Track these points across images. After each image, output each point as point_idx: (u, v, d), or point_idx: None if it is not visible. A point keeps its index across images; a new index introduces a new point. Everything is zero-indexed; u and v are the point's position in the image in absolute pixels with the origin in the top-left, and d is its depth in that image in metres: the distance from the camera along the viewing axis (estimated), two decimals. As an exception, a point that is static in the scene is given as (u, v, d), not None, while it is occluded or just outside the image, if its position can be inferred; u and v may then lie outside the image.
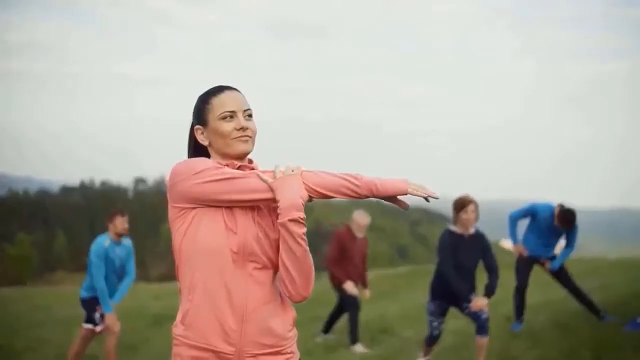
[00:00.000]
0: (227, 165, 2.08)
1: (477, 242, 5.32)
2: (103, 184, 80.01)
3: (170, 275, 33.38)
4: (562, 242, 6.88)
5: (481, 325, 5.19)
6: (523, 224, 6.88)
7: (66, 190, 79.93)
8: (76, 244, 58.15)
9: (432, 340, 5.59)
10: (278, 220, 2.00)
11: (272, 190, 2.01)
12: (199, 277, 2.01)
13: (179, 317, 2.07)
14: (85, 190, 78.28)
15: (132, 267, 6.26)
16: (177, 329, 2.07)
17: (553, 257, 6.80)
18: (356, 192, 2.04)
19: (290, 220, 1.97)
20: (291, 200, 1.98)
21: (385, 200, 2.07)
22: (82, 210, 69.48)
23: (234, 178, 2.01)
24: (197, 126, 2.15)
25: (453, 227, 5.33)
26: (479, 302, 5.13)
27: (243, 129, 2.08)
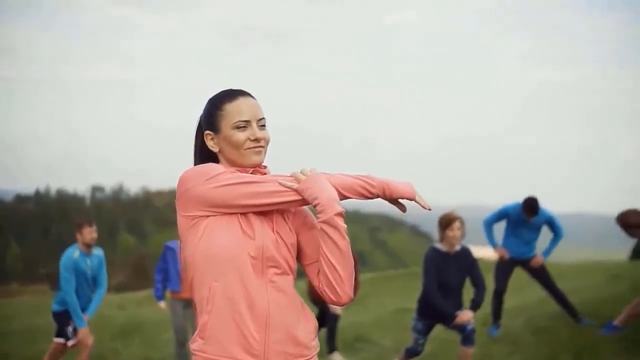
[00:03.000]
0: (239, 171, 1.99)
1: (463, 259, 5.24)
2: (59, 192, 78.37)
3: (129, 284, 32.78)
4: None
5: (467, 336, 5.15)
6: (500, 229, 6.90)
7: (20, 199, 78.02)
8: (30, 254, 56.79)
9: (414, 354, 5.53)
10: (321, 218, 1.91)
11: (296, 192, 1.93)
12: (217, 286, 1.92)
13: (197, 331, 1.97)
14: (40, 199, 76.62)
15: (104, 278, 6.07)
16: (196, 344, 1.96)
17: (532, 258, 6.81)
18: (370, 192, 2.01)
19: (336, 215, 1.89)
20: (330, 195, 1.91)
21: (389, 202, 2.04)
22: (37, 219, 67.93)
23: (253, 182, 1.93)
24: (208, 132, 2.05)
25: (439, 245, 5.24)
26: (464, 316, 5.08)
27: (257, 139, 1.99)
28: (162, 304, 6.82)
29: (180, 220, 1.97)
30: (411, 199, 2.04)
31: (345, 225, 1.92)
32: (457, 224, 5.12)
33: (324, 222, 1.90)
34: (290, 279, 1.99)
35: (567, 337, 6.11)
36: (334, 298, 1.96)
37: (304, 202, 1.95)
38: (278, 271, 1.95)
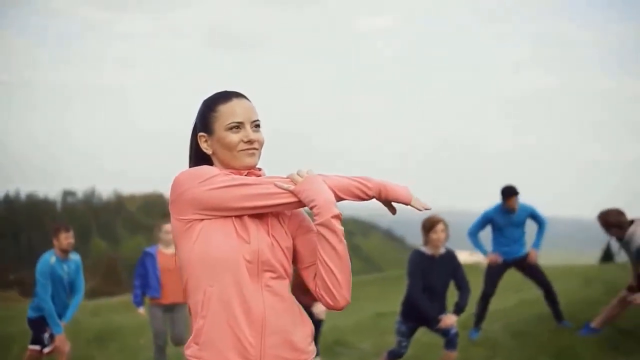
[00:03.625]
0: (234, 173, 1.96)
1: (448, 262, 5.24)
2: (29, 196, 77.16)
3: (102, 290, 32.38)
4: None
5: (450, 340, 5.16)
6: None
7: (-11, 204, 76.68)
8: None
9: (397, 356, 5.54)
10: (318, 220, 1.88)
11: (292, 194, 1.91)
12: (212, 290, 1.88)
13: (191, 336, 1.93)
14: (10, 204, 75.37)
15: (81, 284, 5.99)
16: (190, 350, 1.93)
17: (526, 255, 6.85)
18: (366, 194, 2.00)
19: (333, 217, 1.87)
20: (328, 197, 1.89)
21: (382, 203, 2.04)
22: (6, 224, 66.80)
23: (248, 184, 1.90)
24: (202, 133, 2.03)
25: (423, 248, 5.24)
26: (448, 320, 5.09)
27: (250, 141, 1.97)
28: (141, 310, 6.74)
29: (175, 224, 1.93)
30: (407, 203, 2.03)
31: (342, 228, 1.90)
32: (440, 227, 5.13)
33: (321, 224, 1.88)
34: (286, 282, 1.97)
35: (546, 339, 6.17)
36: (331, 302, 1.94)
37: (301, 204, 1.93)
38: (274, 275, 1.92)
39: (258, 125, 2.01)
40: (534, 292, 7.12)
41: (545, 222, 6.88)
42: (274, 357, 1.90)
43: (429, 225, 5.15)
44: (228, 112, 1.97)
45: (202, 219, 1.89)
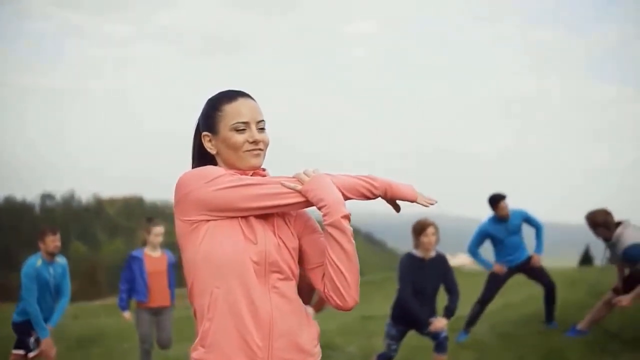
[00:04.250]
0: (239, 174, 1.94)
1: (438, 265, 5.24)
2: (7, 199, 76.08)
3: (81, 294, 32.04)
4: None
5: (440, 343, 5.17)
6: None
7: (-35, 207, 75.49)
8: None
9: (386, 359, 5.53)
10: (327, 220, 1.85)
11: (300, 194, 1.89)
12: (218, 292, 1.85)
13: (197, 339, 1.90)
14: (-14, 207, 74.23)
15: (67, 287, 5.90)
16: (197, 353, 1.89)
17: (529, 258, 6.88)
18: (372, 193, 1.99)
19: (343, 217, 1.85)
20: (337, 197, 1.87)
21: (387, 202, 2.03)
22: (-17, 228, 65.80)
23: (255, 184, 1.88)
24: (206, 133, 2.00)
25: (414, 251, 5.24)
26: (438, 323, 5.09)
27: (255, 142, 1.94)
28: (127, 314, 6.66)
29: (179, 225, 1.90)
30: (412, 201, 2.02)
31: (351, 228, 1.89)
32: (431, 230, 5.14)
33: (331, 225, 1.85)
34: (292, 284, 1.94)
35: (533, 341, 6.21)
36: (340, 302, 1.91)
37: (309, 204, 1.90)
38: (281, 276, 1.90)
39: (263, 126, 1.98)
40: (520, 295, 7.17)
41: (541, 225, 6.91)
42: None
43: (420, 229, 5.15)
44: (233, 112, 1.94)
45: (208, 220, 1.86)
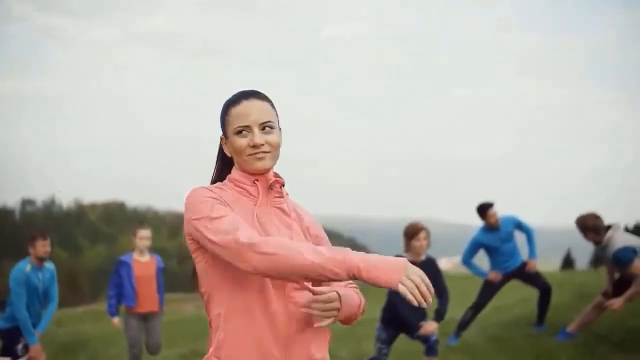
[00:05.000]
0: (257, 181, 1.92)
1: (428, 269, 5.23)
2: (-15, 205, 75.11)
3: (63, 300, 31.63)
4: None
5: (431, 346, 5.18)
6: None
7: (-57, 213, 74.42)
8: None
9: None
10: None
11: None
12: (235, 303, 1.83)
13: (211, 349, 1.87)
14: (-35, 212, 73.24)
15: (55, 293, 5.83)
16: None
17: (524, 264, 6.91)
18: (331, 279, 1.71)
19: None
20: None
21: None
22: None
23: (216, 218, 1.81)
24: (222, 137, 2.00)
25: (404, 255, 5.26)
26: (428, 327, 5.09)
27: (256, 145, 1.88)
28: (116, 320, 6.60)
29: (187, 241, 1.91)
30: (391, 287, 1.66)
31: None
32: (423, 234, 5.15)
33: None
34: (307, 293, 1.91)
35: (523, 344, 6.25)
36: None
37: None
38: (297, 286, 1.88)
39: (270, 127, 1.91)
40: (509, 297, 7.21)
41: (532, 230, 6.94)
42: None
43: (411, 233, 5.17)
44: (236, 116, 1.91)
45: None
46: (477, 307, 6.92)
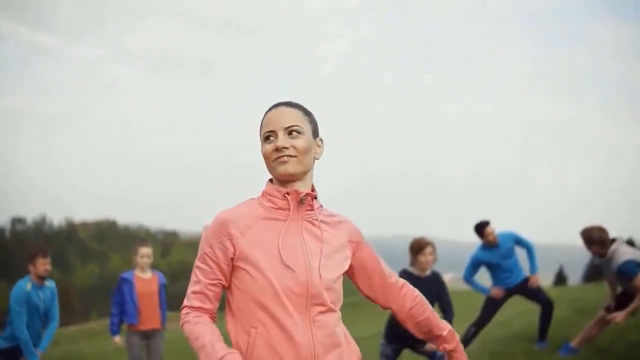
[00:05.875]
0: (288, 194, 1.90)
1: (433, 284, 5.26)
2: (-24, 224, 74.61)
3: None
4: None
5: None
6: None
7: None
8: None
9: None
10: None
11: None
12: (256, 332, 1.80)
13: None
14: (-45, 231, 72.67)
15: (56, 311, 5.81)
16: None
17: (526, 279, 6.91)
18: None
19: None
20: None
21: None
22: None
23: (196, 266, 1.92)
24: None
25: (410, 269, 5.26)
26: None
27: (278, 149, 1.86)
28: (117, 339, 6.55)
29: None
30: None
31: None
32: (429, 249, 5.17)
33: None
34: (335, 315, 1.89)
35: (523, 359, 6.23)
36: None
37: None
38: (323, 309, 1.85)
39: (296, 131, 1.89)
40: (509, 312, 7.20)
41: (532, 245, 6.94)
42: None
43: (418, 248, 5.19)
44: (264, 124, 1.93)
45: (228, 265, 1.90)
46: (480, 323, 6.92)
